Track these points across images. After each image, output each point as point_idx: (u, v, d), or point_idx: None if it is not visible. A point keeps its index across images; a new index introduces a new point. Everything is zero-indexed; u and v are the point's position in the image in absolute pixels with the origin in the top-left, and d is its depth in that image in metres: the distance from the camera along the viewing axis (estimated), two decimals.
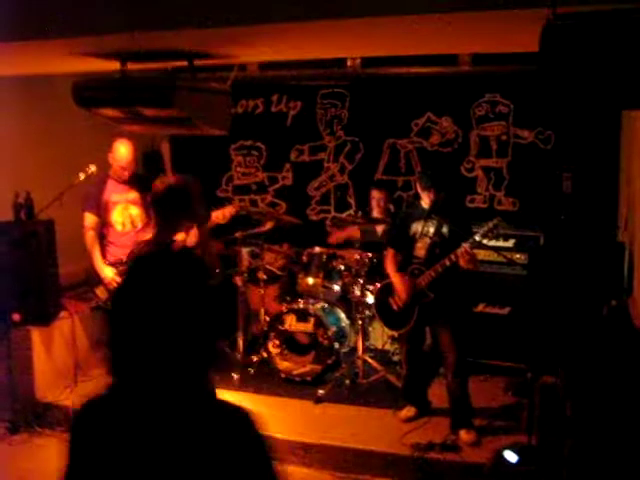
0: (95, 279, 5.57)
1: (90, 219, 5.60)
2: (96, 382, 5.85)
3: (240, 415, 1.74)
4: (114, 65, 3.89)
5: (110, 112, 3.77)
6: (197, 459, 1.62)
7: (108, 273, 5.45)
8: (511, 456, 4.24)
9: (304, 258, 6.56)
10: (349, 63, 6.99)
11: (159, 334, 1.63)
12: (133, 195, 5.63)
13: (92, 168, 5.61)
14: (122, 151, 5.50)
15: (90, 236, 5.59)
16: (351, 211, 7.46)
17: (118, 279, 5.33)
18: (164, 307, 1.64)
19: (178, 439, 1.63)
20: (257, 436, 1.73)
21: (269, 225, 6.49)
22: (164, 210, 3.95)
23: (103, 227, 5.64)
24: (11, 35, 3.13)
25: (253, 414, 1.79)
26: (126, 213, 5.61)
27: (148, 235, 3.99)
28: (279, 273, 6.84)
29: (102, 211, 5.59)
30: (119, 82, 3.76)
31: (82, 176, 5.59)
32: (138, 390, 1.67)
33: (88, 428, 1.74)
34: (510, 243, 6.20)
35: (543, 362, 4.61)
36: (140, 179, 5.72)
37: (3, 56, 3.83)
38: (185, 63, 3.87)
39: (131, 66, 3.89)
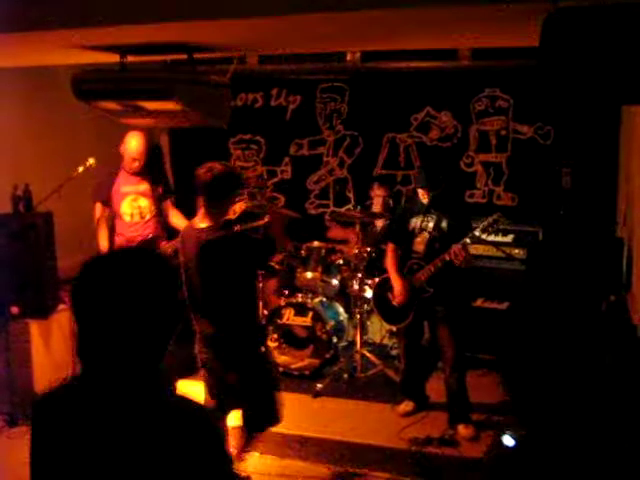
0: None
1: (100, 210, 5.63)
2: None
3: (194, 410, 1.76)
4: (113, 58, 3.88)
5: (109, 105, 3.75)
6: (150, 452, 1.64)
7: None
8: (509, 440, 4.25)
9: (303, 252, 6.56)
10: (349, 57, 6.98)
11: (115, 327, 1.66)
12: (144, 187, 5.63)
13: (91, 161, 5.61)
14: (133, 143, 5.50)
15: (98, 226, 5.62)
16: (350, 205, 7.46)
17: None
18: (121, 301, 1.66)
19: (131, 431, 1.65)
20: (211, 431, 1.75)
21: (267, 219, 6.48)
22: (219, 195, 4.02)
23: (113, 218, 5.66)
24: (9, 26, 3.12)
25: (207, 409, 1.81)
26: (135, 204, 5.62)
27: (202, 224, 4.02)
28: (277, 267, 6.84)
29: (112, 202, 5.61)
30: (118, 75, 3.74)
31: (81, 169, 5.58)
32: (96, 380, 1.70)
33: (47, 417, 1.76)
34: (509, 238, 6.20)
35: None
36: (151, 171, 5.71)
37: (2, 47, 3.81)
38: (185, 56, 3.85)
39: (131, 59, 3.88)
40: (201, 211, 4.06)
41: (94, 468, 1.66)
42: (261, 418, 4.32)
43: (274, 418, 4.33)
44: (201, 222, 4.04)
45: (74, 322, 1.74)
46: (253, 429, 4.44)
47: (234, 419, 4.42)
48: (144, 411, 1.67)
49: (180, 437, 1.66)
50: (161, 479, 1.64)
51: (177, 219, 5.69)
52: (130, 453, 1.64)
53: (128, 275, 1.70)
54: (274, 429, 4.57)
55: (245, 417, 4.32)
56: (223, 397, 4.14)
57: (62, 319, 5.83)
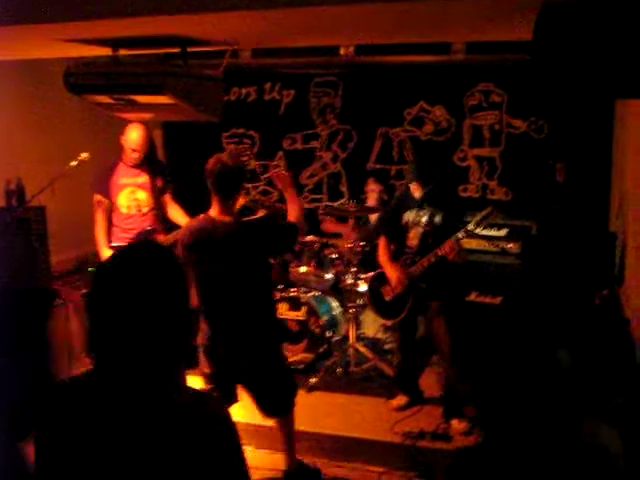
0: (92, 260, 5.58)
1: (97, 200, 5.61)
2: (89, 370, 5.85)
3: (208, 403, 1.77)
4: (106, 51, 3.86)
5: (101, 99, 3.74)
6: (166, 447, 1.64)
7: (106, 254, 5.46)
8: None
9: (296, 247, 6.55)
10: (342, 51, 6.96)
11: (134, 322, 1.67)
12: (142, 179, 5.60)
13: (83, 155, 5.58)
14: (133, 135, 5.47)
15: (96, 217, 5.60)
16: (344, 200, 7.46)
17: None
18: (141, 297, 1.67)
19: (146, 426, 1.65)
20: (225, 423, 1.76)
21: (261, 213, 6.47)
22: (234, 186, 4.05)
23: (111, 210, 5.65)
24: (1, 19, 3.10)
25: (220, 401, 1.80)
26: (132, 197, 5.59)
27: (224, 217, 4.03)
28: (271, 262, 6.83)
29: (110, 194, 5.59)
30: (110, 68, 3.73)
31: (74, 163, 5.56)
32: (110, 376, 1.70)
33: (57, 411, 1.75)
34: (503, 232, 6.20)
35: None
36: (151, 164, 5.68)
37: None
38: (178, 49, 3.84)
39: (123, 52, 3.86)
40: (218, 205, 4.04)
41: (104, 465, 1.64)
42: (270, 408, 4.34)
43: (285, 408, 4.37)
44: (222, 216, 4.03)
45: (86, 319, 1.75)
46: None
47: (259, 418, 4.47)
48: (159, 407, 1.67)
49: (196, 434, 1.66)
50: (175, 475, 1.63)
51: (176, 213, 5.68)
52: (143, 450, 1.63)
53: (145, 273, 1.70)
54: (267, 423, 4.57)
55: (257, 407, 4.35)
56: (229, 389, 4.16)
57: (57, 314, 5.82)
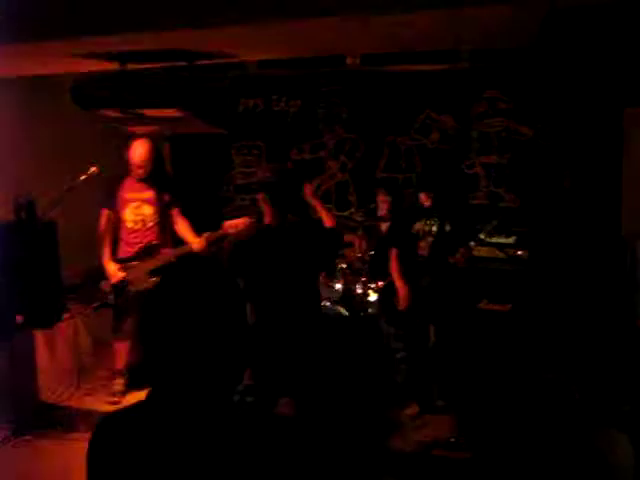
0: (102, 273, 5.59)
1: (105, 215, 5.63)
2: (98, 383, 5.87)
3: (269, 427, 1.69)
4: (114, 66, 3.89)
5: (110, 112, 3.78)
6: (233, 468, 1.57)
7: (111, 268, 5.49)
8: None
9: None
10: (348, 61, 6.97)
11: (195, 344, 1.58)
12: (148, 194, 5.60)
13: (93, 169, 5.61)
14: (138, 151, 5.47)
15: (101, 231, 5.62)
16: (352, 209, 7.46)
17: (120, 274, 5.42)
18: (199, 317, 1.59)
19: (207, 453, 1.58)
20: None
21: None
22: (284, 196, 4.17)
23: (118, 223, 5.67)
24: (9, 36, 3.13)
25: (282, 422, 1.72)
26: (138, 212, 5.60)
27: (279, 223, 4.14)
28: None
29: (117, 208, 5.61)
30: (118, 82, 3.75)
31: (83, 177, 5.58)
32: (172, 401, 1.61)
33: (110, 443, 1.67)
34: (512, 239, 6.19)
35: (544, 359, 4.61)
36: (158, 178, 5.69)
37: (4, 57, 3.82)
38: (185, 63, 3.86)
39: (131, 67, 3.89)
40: (273, 214, 4.16)
41: None
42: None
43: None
44: (276, 222, 4.17)
45: (136, 345, 1.69)
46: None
47: None
48: (225, 429, 1.60)
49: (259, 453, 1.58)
50: None
51: (183, 227, 5.67)
52: (210, 474, 1.56)
53: (199, 291, 1.62)
54: None
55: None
56: (270, 402, 4.19)
57: (66, 328, 5.84)
